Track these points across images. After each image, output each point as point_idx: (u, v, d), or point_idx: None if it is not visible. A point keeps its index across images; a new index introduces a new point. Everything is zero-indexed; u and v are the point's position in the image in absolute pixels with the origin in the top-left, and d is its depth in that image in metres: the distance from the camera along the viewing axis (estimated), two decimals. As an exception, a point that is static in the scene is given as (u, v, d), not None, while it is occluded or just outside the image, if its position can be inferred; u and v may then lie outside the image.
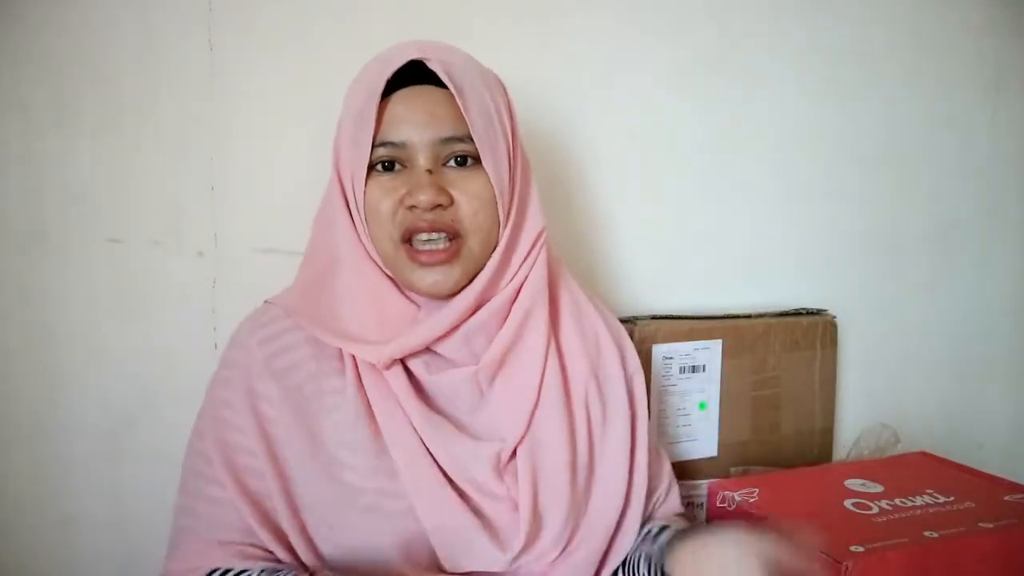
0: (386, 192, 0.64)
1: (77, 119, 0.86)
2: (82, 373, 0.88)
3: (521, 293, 0.68)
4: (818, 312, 1.14)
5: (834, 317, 1.14)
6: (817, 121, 1.21)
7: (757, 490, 0.78)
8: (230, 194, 0.92)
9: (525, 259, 0.69)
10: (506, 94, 0.70)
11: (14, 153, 0.85)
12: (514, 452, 0.66)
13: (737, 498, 0.77)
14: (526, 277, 0.68)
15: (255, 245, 0.93)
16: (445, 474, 0.64)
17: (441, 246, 0.63)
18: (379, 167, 0.65)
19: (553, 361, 0.69)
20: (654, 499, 0.76)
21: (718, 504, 0.79)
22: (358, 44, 0.92)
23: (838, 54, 1.21)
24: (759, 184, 1.18)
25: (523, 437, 0.66)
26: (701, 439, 1.04)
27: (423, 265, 0.64)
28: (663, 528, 0.72)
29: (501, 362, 0.67)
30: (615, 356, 0.74)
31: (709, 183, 1.15)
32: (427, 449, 0.64)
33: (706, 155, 1.14)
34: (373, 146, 0.63)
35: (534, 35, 1.02)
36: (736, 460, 1.05)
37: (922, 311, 1.32)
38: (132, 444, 0.90)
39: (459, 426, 0.66)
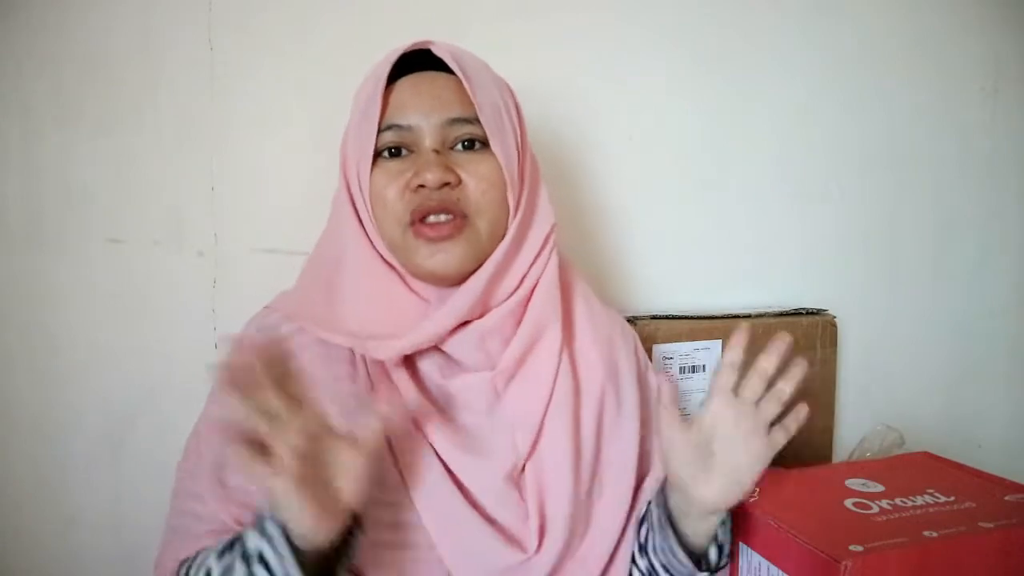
0: (392, 177, 0.63)
1: (77, 119, 0.86)
2: (82, 373, 0.88)
3: (535, 295, 0.67)
4: (818, 312, 1.14)
5: (834, 317, 1.14)
6: (817, 121, 1.21)
7: (757, 489, 0.78)
8: (230, 194, 0.92)
9: (537, 257, 0.67)
10: (513, 96, 0.70)
11: (14, 153, 0.85)
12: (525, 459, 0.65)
13: (737, 498, 0.76)
14: (539, 278, 0.67)
15: (255, 245, 0.93)
16: (459, 486, 0.62)
17: (449, 222, 0.62)
18: (385, 154, 0.64)
19: (566, 363, 0.68)
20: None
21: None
22: (358, 44, 0.93)
23: (838, 54, 1.21)
24: (759, 184, 1.18)
25: (534, 443, 0.65)
26: (701, 439, 1.04)
27: (429, 240, 0.62)
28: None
29: (518, 366, 0.66)
30: (630, 358, 0.74)
31: (709, 183, 1.15)
32: (440, 461, 0.62)
33: (706, 155, 1.14)
34: (379, 132, 0.63)
35: (534, 35, 1.02)
36: (736, 460, 1.05)
37: (922, 311, 1.32)
38: (132, 444, 0.90)
39: (472, 432, 0.65)
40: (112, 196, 0.88)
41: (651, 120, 1.10)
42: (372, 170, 0.63)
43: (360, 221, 0.66)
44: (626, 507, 0.69)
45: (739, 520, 0.75)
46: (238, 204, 0.92)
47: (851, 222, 1.26)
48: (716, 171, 1.15)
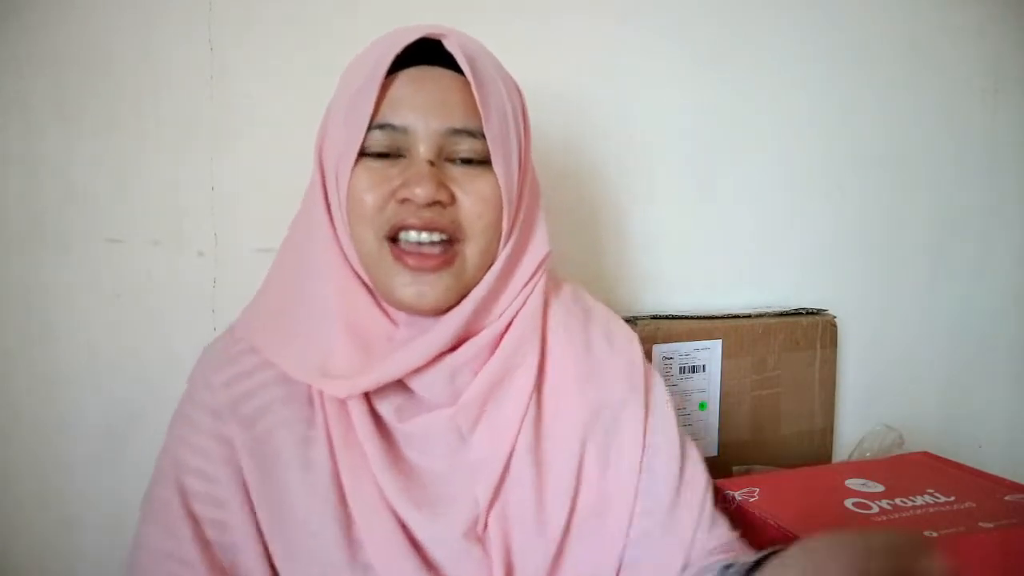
0: (376, 181, 0.55)
1: (77, 119, 0.86)
2: (82, 373, 0.88)
3: (512, 327, 0.60)
4: (818, 312, 1.14)
5: (834, 317, 1.14)
6: (817, 121, 1.21)
7: (757, 489, 0.78)
8: (230, 194, 0.92)
9: (524, 286, 0.61)
10: (522, 99, 0.63)
11: (14, 153, 0.85)
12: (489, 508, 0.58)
13: (737, 497, 0.77)
14: (519, 309, 0.60)
15: (255, 245, 0.93)
16: (414, 544, 0.56)
17: (435, 251, 0.55)
18: (371, 155, 0.55)
19: (534, 406, 0.60)
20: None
21: (718, 504, 0.79)
22: (358, 44, 0.93)
23: (838, 55, 1.21)
24: (759, 184, 1.18)
25: (496, 493, 0.58)
26: (701, 439, 1.04)
27: (410, 269, 0.55)
28: (729, 565, 0.56)
29: (485, 401, 0.58)
30: (632, 378, 0.66)
31: (709, 183, 1.15)
32: (396, 518, 0.56)
33: (706, 155, 1.14)
34: (368, 129, 0.55)
35: (534, 36, 1.02)
36: (736, 460, 1.05)
37: (922, 311, 1.32)
38: (133, 444, 0.90)
39: (429, 482, 0.58)
40: (112, 196, 0.88)
41: (651, 120, 1.10)
42: (353, 168, 0.55)
43: (332, 222, 0.59)
44: (617, 551, 0.60)
45: (739, 520, 0.75)
46: (238, 204, 0.92)
47: (851, 222, 1.26)
48: (716, 171, 1.15)
